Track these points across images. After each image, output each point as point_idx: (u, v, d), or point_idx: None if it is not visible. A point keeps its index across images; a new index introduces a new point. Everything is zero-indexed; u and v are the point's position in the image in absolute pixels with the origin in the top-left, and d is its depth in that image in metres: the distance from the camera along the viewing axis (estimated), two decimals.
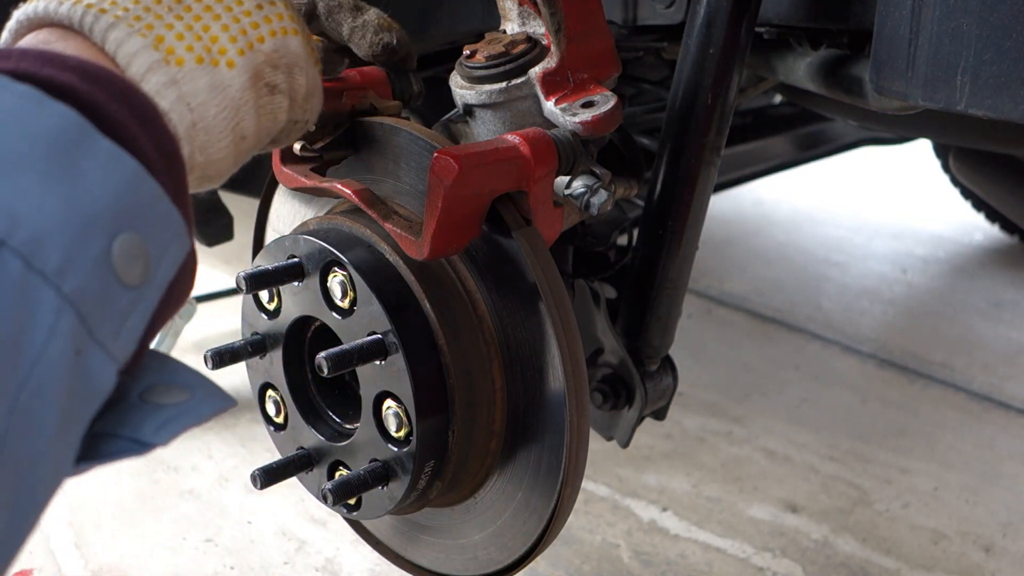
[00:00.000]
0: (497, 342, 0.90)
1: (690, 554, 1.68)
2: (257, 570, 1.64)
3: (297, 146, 0.95)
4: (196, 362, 0.77)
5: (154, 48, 0.66)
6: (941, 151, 3.06)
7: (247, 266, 0.97)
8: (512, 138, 0.87)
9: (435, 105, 1.12)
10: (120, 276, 0.55)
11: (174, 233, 0.60)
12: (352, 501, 0.94)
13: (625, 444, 1.22)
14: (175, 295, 0.63)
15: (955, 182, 3.12)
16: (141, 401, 0.61)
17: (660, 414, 1.26)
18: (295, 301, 0.95)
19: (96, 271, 0.54)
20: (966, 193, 3.13)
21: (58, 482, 0.55)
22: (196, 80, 0.67)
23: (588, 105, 0.92)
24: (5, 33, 0.68)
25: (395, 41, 0.93)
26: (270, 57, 0.72)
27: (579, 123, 0.91)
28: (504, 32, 1.01)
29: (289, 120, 0.78)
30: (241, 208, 1.93)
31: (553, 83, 0.93)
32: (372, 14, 0.92)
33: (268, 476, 0.97)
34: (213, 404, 0.63)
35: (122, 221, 0.55)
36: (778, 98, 2.49)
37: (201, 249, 2.05)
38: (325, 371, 0.84)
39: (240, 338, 1.02)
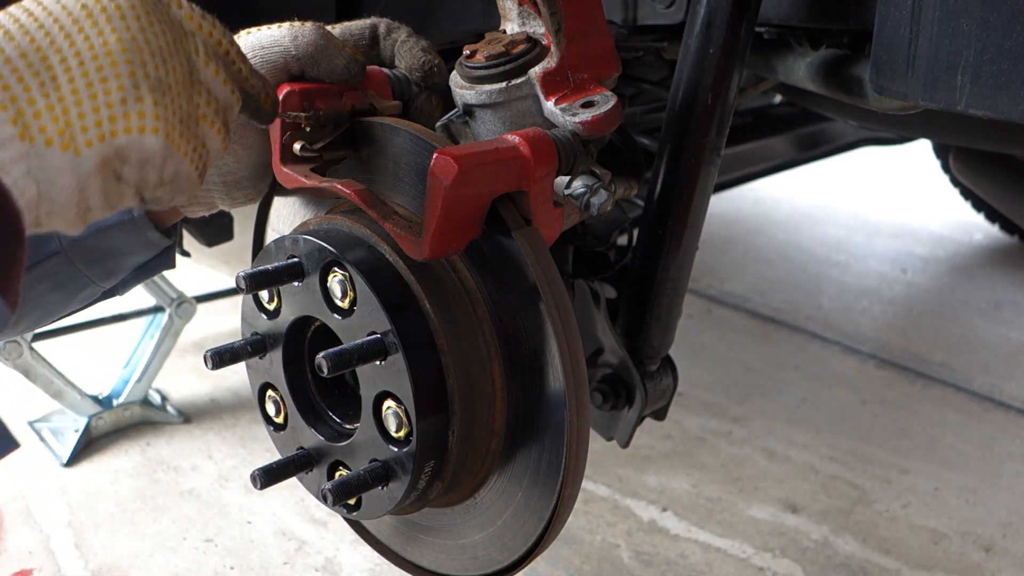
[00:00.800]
0: (497, 342, 0.90)
1: (690, 554, 1.68)
2: (257, 570, 1.64)
3: (297, 146, 0.95)
4: (196, 362, 0.77)
5: (12, 123, 0.69)
6: (941, 151, 3.07)
7: (247, 266, 0.97)
8: (512, 138, 0.87)
9: None
10: None
11: None
12: (352, 501, 0.94)
13: (625, 444, 1.22)
14: None
15: (955, 182, 3.12)
16: None
17: (660, 414, 1.26)
18: (295, 301, 0.95)
19: None
20: (966, 193, 3.13)
21: None
22: (45, 159, 0.71)
23: (588, 105, 0.92)
24: None
25: (435, 62, 1.02)
26: (120, 151, 0.75)
27: (579, 123, 0.91)
28: (504, 32, 1.01)
29: (143, 200, 0.81)
30: (241, 208, 1.93)
31: (553, 83, 0.93)
32: (424, 40, 1.03)
33: (268, 476, 0.97)
34: None
35: None
36: (778, 98, 2.49)
37: (201, 249, 2.06)
38: (325, 371, 0.84)
39: (240, 338, 1.02)
